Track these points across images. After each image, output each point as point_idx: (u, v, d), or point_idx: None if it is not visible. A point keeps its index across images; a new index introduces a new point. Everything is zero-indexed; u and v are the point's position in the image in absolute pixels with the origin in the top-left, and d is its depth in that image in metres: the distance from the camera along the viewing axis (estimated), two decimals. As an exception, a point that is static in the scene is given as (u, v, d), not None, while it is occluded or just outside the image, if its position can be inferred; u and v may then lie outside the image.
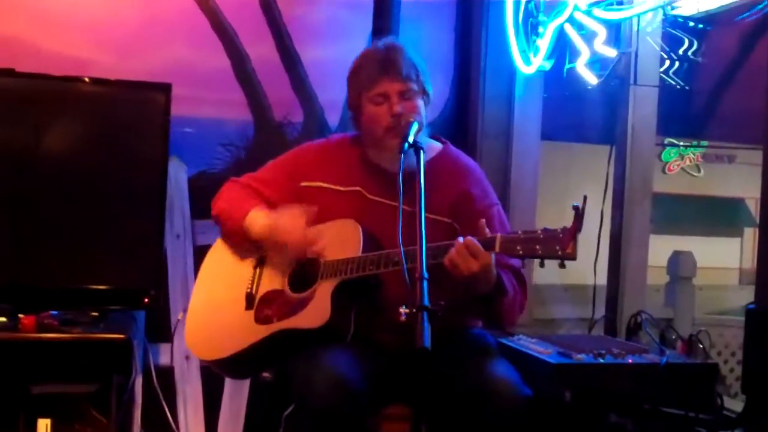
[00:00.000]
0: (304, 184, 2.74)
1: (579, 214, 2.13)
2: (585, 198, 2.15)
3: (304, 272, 2.61)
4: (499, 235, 2.29)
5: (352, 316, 2.48)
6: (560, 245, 2.16)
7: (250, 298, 2.68)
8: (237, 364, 2.74)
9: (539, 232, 2.22)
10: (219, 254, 2.83)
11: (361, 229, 2.52)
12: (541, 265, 2.26)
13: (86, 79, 3.38)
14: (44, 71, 3.35)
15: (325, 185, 2.71)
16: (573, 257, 2.16)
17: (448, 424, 2.44)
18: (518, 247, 2.24)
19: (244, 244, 2.72)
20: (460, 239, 2.30)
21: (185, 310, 2.85)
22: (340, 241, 2.54)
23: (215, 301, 2.75)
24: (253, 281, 2.70)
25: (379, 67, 2.60)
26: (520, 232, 2.26)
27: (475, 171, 2.80)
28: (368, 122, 2.63)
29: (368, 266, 2.44)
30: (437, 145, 2.77)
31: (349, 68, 2.73)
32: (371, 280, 2.47)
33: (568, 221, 2.16)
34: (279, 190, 2.77)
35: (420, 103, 2.62)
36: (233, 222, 2.71)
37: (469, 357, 2.51)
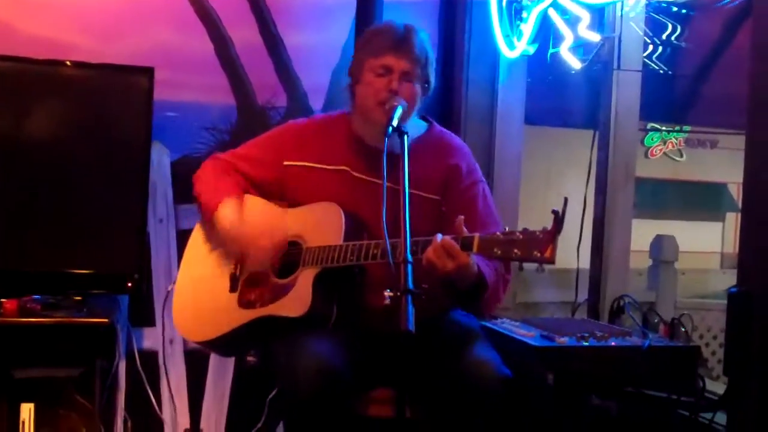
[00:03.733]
0: (287, 162, 2.73)
1: (558, 218, 2.08)
2: (566, 200, 2.10)
3: (287, 256, 2.60)
4: (477, 235, 2.24)
5: (334, 303, 2.48)
6: (539, 249, 2.11)
7: (234, 280, 2.68)
8: (221, 346, 2.76)
9: (518, 233, 2.16)
10: (204, 232, 2.82)
11: (343, 215, 2.51)
12: (520, 268, 2.24)
13: (68, 63, 3.36)
14: (25, 55, 3.33)
15: (310, 164, 2.71)
16: (552, 261, 2.11)
17: (431, 406, 2.45)
18: (496, 249, 2.19)
19: (218, 232, 2.71)
20: (439, 237, 2.27)
21: (174, 282, 2.85)
22: (322, 226, 2.54)
23: (200, 279, 2.75)
24: (237, 262, 2.69)
25: (392, 41, 2.60)
26: (499, 232, 2.21)
27: (461, 147, 2.80)
28: (363, 91, 2.62)
29: (349, 256, 2.43)
30: (423, 124, 2.77)
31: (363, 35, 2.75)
32: (354, 268, 2.46)
33: (551, 206, 2.13)
34: (263, 167, 2.76)
35: (417, 88, 2.61)
36: (208, 208, 2.70)
37: (450, 340, 2.51)
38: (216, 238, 2.73)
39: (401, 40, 2.60)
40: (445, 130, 2.84)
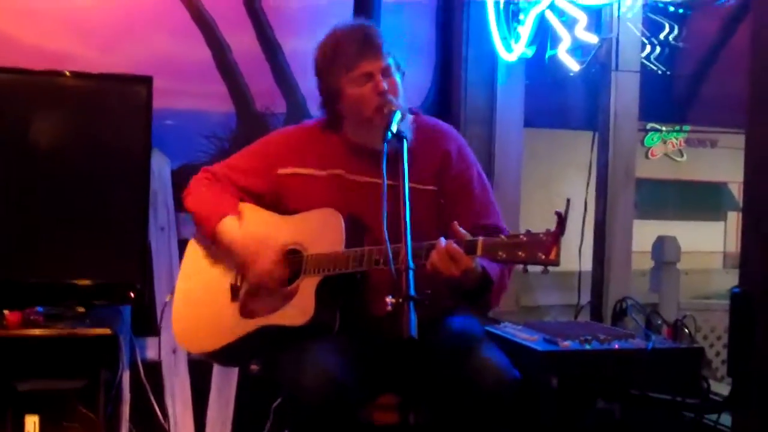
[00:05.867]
0: (280, 171, 2.71)
1: (561, 219, 2.08)
2: (568, 201, 2.10)
3: (287, 264, 2.59)
4: (481, 239, 2.23)
5: (337, 310, 2.47)
6: (543, 251, 2.11)
7: (234, 290, 2.67)
8: (224, 356, 2.75)
9: (522, 236, 2.16)
10: (202, 243, 2.80)
11: (342, 221, 2.50)
12: (524, 270, 2.23)
13: (67, 73, 3.37)
14: (25, 66, 3.33)
15: (302, 171, 2.69)
16: (556, 263, 2.11)
17: (439, 411, 2.45)
18: (500, 252, 2.19)
19: (217, 248, 2.71)
20: (442, 242, 2.25)
21: (172, 293, 2.84)
22: (322, 232, 2.52)
23: (200, 290, 2.73)
24: (237, 272, 2.68)
25: (358, 47, 2.56)
26: (503, 236, 2.21)
27: (449, 132, 2.77)
28: (353, 104, 2.59)
29: (351, 264, 2.42)
30: (409, 116, 2.73)
31: (318, 53, 2.68)
32: (356, 274, 2.45)
33: (551, 208, 2.13)
34: (256, 178, 2.74)
35: (398, 78, 2.60)
36: (206, 227, 2.70)
37: (456, 343, 2.50)
38: (216, 252, 2.73)
39: (365, 42, 2.57)
40: (430, 117, 2.82)
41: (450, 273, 2.25)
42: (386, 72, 2.56)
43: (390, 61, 2.58)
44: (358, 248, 2.42)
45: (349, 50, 2.58)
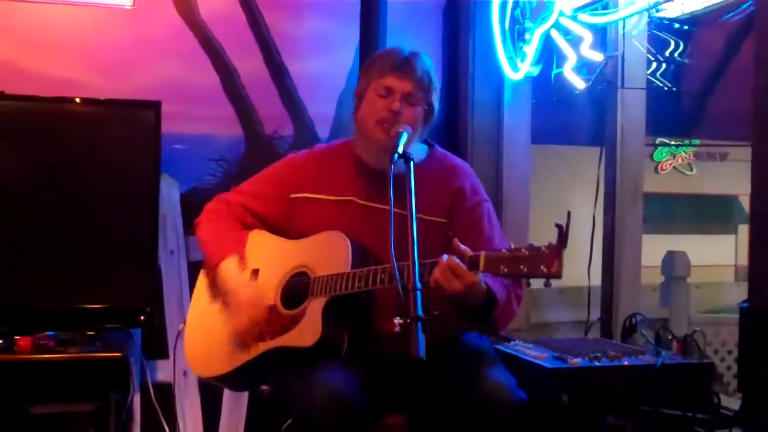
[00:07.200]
0: (293, 196, 2.73)
1: (563, 231, 2.07)
2: (569, 214, 2.09)
3: (295, 287, 2.60)
4: (483, 253, 2.22)
5: (345, 331, 2.47)
6: (545, 264, 2.10)
7: None
8: (234, 380, 2.75)
9: (524, 249, 2.15)
10: (210, 276, 2.80)
11: (349, 243, 2.50)
12: (527, 284, 2.22)
13: (77, 100, 3.39)
14: (33, 93, 3.36)
15: (315, 196, 2.70)
16: (558, 276, 2.10)
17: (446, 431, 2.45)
18: (503, 266, 2.17)
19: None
20: (444, 258, 2.25)
21: (185, 322, 2.85)
22: (328, 254, 2.53)
23: (210, 316, 2.74)
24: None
25: (395, 63, 2.59)
26: (504, 249, 2.20)
27: (464, 168, 2.78)
28: (364, 110, 2.62)
29: (357, 283, 2.41)
30: (424, 148, 2.75)
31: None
32: (362, 294, 2.45)
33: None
34: (269, 203, 2.76)
35: (419, 111, 2.59)
36: (209, 263, 2.73)
37: (463, 364, 2.50)
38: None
39: (403, 62, 2.59)
40: (446, 152, 2.83)
41: (452, 288, 2.24)
42: (408, 97, 2.57)
43: (419, 92, 2.58)
44: (363, 268, 2.43)
45: (386, 62, 2.62)
